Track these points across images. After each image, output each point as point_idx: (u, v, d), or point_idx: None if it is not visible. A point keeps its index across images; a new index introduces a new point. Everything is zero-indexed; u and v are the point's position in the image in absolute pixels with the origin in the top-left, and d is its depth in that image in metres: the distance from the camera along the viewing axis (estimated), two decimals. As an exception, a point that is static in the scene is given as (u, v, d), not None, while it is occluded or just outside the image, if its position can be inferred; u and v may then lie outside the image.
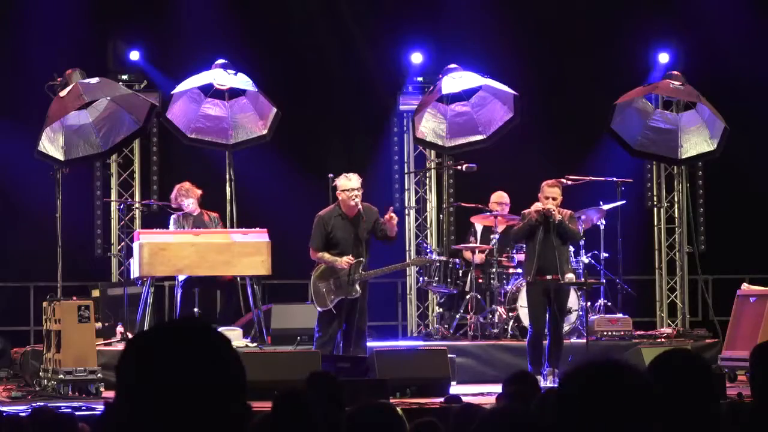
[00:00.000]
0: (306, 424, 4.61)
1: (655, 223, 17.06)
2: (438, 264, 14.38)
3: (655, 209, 17.00)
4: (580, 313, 13.89)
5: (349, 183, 12.28)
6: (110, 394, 11.09)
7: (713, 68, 16.32)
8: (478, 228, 15.19)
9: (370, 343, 12.90)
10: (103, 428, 4.52)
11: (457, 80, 14.66)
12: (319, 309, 12.42)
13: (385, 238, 12.36)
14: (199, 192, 14.11)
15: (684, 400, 3.45)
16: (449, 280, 14.34)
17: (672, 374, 3.51)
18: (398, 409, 4.80)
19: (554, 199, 12.30)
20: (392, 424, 4.72)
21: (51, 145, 13.51)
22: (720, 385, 3.58)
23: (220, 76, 14.34)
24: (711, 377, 3.58)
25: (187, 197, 14.05)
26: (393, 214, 12.26)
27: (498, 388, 10.92)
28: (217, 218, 14.23)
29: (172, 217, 14.22)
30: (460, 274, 14.44)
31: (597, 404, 2.62)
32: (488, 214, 14.69)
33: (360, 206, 12.23)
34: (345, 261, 12.18)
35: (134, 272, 13.48)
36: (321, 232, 12.33)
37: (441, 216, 16.24)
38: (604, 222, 14.69)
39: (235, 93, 14.86)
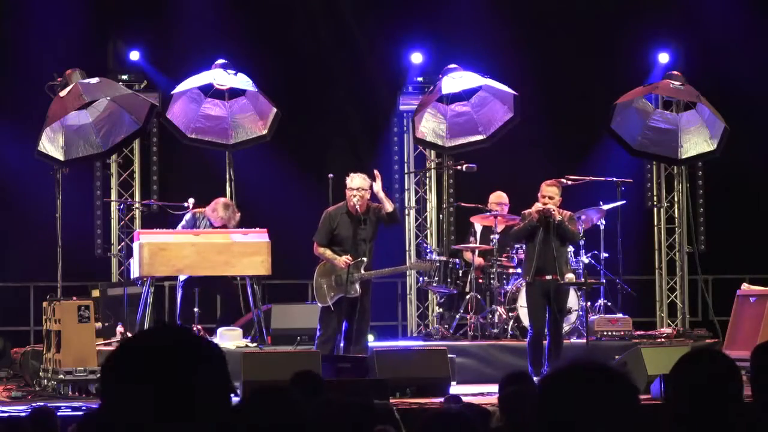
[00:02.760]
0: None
1: (655, 223, 17.05)
2: (438, 264, 14.38)
3: (655, 209, 16.99)
4: (580, 313, 13.89)
5: (350, 182, 12.35)
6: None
7: (713, 68, 16.32)
8: (478, 228, 15.19)
9: (370, 343, 12.89)
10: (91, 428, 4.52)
11: (457, 80, 14.66)
12: (319, 305, 12.50)
13: (390, 219, 12.34)
14: (238, 215, 13.93)
15: (712, 400, 3.44)
16: (449, 280, 14.34)
17: (701, 373, 3.50)
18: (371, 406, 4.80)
19: (551, 198, 12.30)
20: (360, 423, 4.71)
21: (51, 145, 13.51)
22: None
23: (220, 76, 14.35)
24: (740, 377, 3.58)
25: (232, 216, 13.82)
26: (374, 184, 12.25)
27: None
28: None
29: (186, 215, 14.05)
30: (460, 274, 14.44)
31: (574, 406, 2.61)
32: (488, 214, 14.68)
33: (359, 207, 12.25)
34: (343, 260, 12.23)
35: (134, 272, 13.48)
36: (326, 228, 12.41)
37: (441, 216, 16.24)
38: (604, 222, 14.68)
39: (235, 93, 14.87)
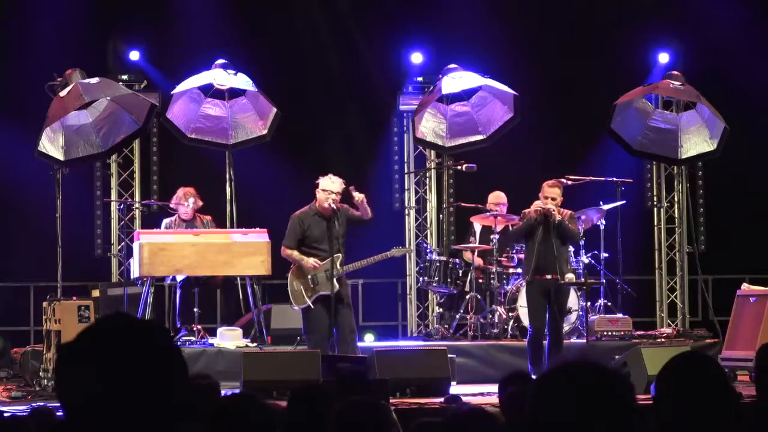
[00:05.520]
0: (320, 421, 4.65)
1: (655, 223, 17.05)
2: (438, 264, 14.39)
3: (655, 209, 16.99)
4: (580, 313, 13.89)
5: (332, 186, 12.42)
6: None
7: (713, 68, 16.31)
8: (477, 228, 15.19)
9: (370, 343, 12.89)
10: None
11: (457, 80, 14.67)
12: (296, 308, 12.53)
13: (361, 222, 12.51)
14: (200, 203, 14.16)
15: (698, 405, 3.44)
16: (449, 280, 14.35)
17: (686, 377, 3.51)
18: (388, 407, 4.82)
19: (553, 199, 12.31)
20: (379, 423, 4.73)
21: (51, 145, 13.51)
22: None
23: (220, 76, 14.34)
24: (727, 381, 3.58)
25: (187, 199, 14.05)
26: (356, 194, 12.40)
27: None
28: (210, 221, 14.22)
29: (164, 221, 14.24)
30: (460, 274, 14.44)
31: (569, 407, 2.61)
32: (488, 214, 14.69)
33: (334, 206, 12.36)
34: (312, 263, 12.31)
35: (134, 272, 13.48)
36: (296, 231, 12.53)
37: (441, 216, 16.23)
38: (604, 222, 14.68)
39: (235, 93, 14.86)
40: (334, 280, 12.36)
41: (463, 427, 5.04)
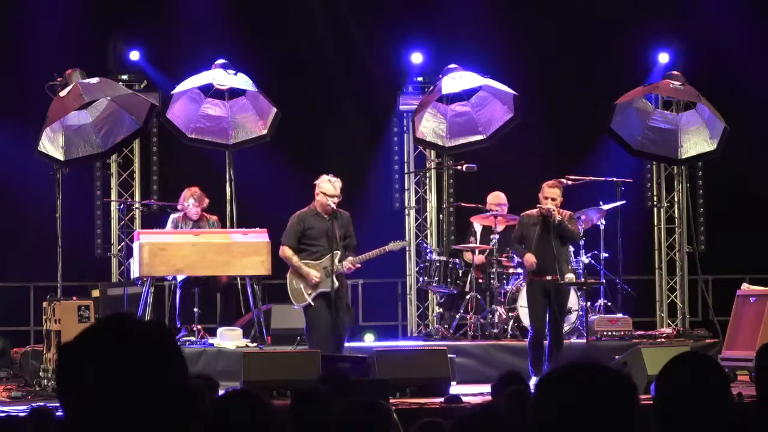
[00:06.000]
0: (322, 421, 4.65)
1: (655, 223, 17.05)
2: (438, 264, 14.39)
3: (655, 209, 16.99)
4: (580, 313, 13.89)
5: (332, 190, 12.42)
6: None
7: (713, 68, 16.32)
8: (478, 228, 15.19)
9: (370, 343, 12.89)
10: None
11: (457, 80, 14.67)
12: (296, 306, 12.54)
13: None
14: (206, 201, 14.14)
15: (698, 405, 3.44)
16: (449, 280, 14.35)
17: (686, 377, 3.50)
18: (389, 407, 4.82)
19: (553, 199, 12.31)
20: (379, 423, 4.73)
21: (51, 145, 13.52)
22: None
23: (220, 76, 14.35)
24: (727, 381, 3.58)
25: (190, 199, 14.04)
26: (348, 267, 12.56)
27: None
28: (216, 221, 14.21)
29: (171, 216, 14.23)
30: (460, 274, 14.44)
31: (573, 408, 2.61)
32: (488, 214, 14.69)
33: (334, 206, 12.43)
34: (313, 275, 12.31)
35: (134, 272, 13.48)
36: (296, 230, 12.54)
37: (441, 216, 16.24)
38: (604, 222, 14.68)
39: (235, 93, 14.87)
40: (334, 277, 12.36)
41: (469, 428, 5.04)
